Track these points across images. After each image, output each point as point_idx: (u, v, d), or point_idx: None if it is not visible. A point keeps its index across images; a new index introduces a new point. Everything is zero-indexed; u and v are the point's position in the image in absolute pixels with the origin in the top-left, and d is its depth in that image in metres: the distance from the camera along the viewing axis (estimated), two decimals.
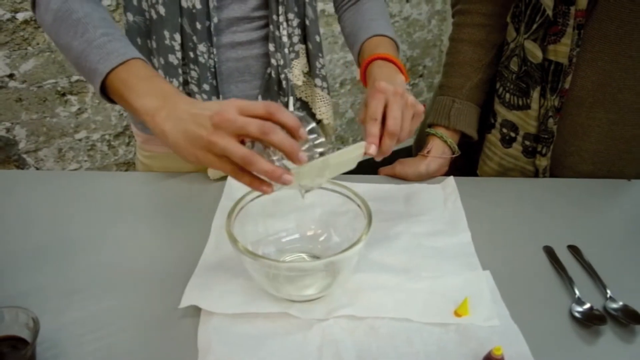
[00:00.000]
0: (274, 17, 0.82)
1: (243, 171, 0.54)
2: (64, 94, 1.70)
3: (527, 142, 0.92)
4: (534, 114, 0.89)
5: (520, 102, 0.90)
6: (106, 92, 0.65)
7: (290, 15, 0.84)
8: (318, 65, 0.90)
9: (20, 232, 0.76)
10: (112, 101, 0.66)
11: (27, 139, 1.71)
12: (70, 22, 0.65)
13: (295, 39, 0.87)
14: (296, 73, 0.89)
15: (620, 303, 0.63)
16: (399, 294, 0.64)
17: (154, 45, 0.80)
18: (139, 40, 0.81)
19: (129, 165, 1.95)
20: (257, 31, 0.84)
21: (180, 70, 0.81)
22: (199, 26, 0.78)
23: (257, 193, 0.66)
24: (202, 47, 0.79)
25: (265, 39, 0.85)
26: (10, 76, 1.60)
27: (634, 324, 0.61)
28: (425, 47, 2.52)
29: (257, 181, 0.55)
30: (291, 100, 0.88)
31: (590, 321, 0.61)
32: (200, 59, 0.79)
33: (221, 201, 0.81)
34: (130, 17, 0.78)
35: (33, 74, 1.62)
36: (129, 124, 1.85)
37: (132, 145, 1.91)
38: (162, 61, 0.80)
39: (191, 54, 0.79)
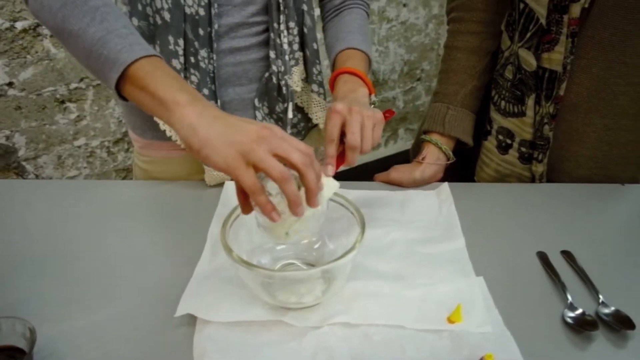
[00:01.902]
0: (275, 25, 0.84)
1: (262, 190, 0.55)
2: (62, 102, 1.71)
3: (523, 149, 0.93)
4: (529, 120, 0.90)
5: (516, 109, 0.91)
6: (118, 85, 0.62)
7: (291, 24, 0.85)
8: (315, 72, 0.92)
9: (18, 241, 0.76)
10: (122, 97, 0.64)
11: (26, 146, 1.72)
12: (87, 8, 0.63)
13: (295, 46, 0.88)
14: (295, 79, 0.90)
15: (612, 308, 0.64)
16: (393, 301, 0.64)
17: (158, 49, 0.81)
18: (151, 45, 0.82)
19: (128, 172, 1.96)
20: (255, 37, 0.85)
21: (182, 75, 0.82)
22: (201, 32, 0.79)
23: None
24: (203, 53, 0.81)
25: (263, 44, 0.87)
26: (10, 84, 1.61)
27: (626, 329, 0.61)
28: (423, 50, 2.52)
29: (271, 205, 0.55)
30: (290, 106, 0.89)
31: (582, 327, 0.61)
32: (201, 64, 0.81)
33: (217, 208, 0.82)
34: (135, 22, 0.79)
35: (32, 82, 1.63)
36: (127, 130, 1.86)
37: (131, 152, 1.92)
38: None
39: (192, 59, 0.81)
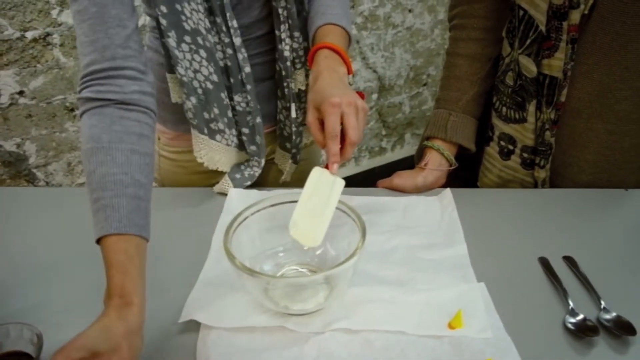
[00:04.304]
0: (277, 32, 0.87)
1: None
2: (72, 109, 1.74)
3: (525, 155, 0.93)
4: (530, 127, 0.90)
5: (517, 116, 0.91)
6: None
7: (296, 33, 0.88)
8: None
9: (27, 248, 0.78)
10: None
11: (37, 154, 1.75)
12: (89, 180, 0.65)
13: (301, 52, 0.91)
14: (301, 79, 0.94)
15: (614, 314, 0.64)
16: (394, 307, 0.65)
17: (216, 111, 0.86)
18: (205, 114, 0.86)
19: None
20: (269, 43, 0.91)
21: (234, 119, 0.89)
22: (232, 80, 0.85)
23: (254, 208, 0.68)
24: (237, 98, 0.87)
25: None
26: (20, 93, 1.64)
27: (627, 335, 0.61)
28: (429, 56, 2.53)
29: None
30: (293, 106, 0.92)
31: (583, 332, 0.61)
32: (238, 108, 0.87)
33: (221, 216, 0.83)
34: (194, 100, 0.84)
35: (42, 90, 1.66)
36: None
37: None
38: (226, 120, 0.88)
39: (232, 103, 0.88)
